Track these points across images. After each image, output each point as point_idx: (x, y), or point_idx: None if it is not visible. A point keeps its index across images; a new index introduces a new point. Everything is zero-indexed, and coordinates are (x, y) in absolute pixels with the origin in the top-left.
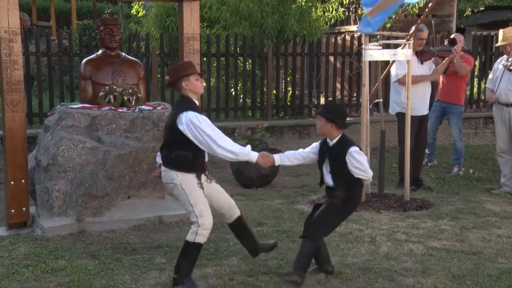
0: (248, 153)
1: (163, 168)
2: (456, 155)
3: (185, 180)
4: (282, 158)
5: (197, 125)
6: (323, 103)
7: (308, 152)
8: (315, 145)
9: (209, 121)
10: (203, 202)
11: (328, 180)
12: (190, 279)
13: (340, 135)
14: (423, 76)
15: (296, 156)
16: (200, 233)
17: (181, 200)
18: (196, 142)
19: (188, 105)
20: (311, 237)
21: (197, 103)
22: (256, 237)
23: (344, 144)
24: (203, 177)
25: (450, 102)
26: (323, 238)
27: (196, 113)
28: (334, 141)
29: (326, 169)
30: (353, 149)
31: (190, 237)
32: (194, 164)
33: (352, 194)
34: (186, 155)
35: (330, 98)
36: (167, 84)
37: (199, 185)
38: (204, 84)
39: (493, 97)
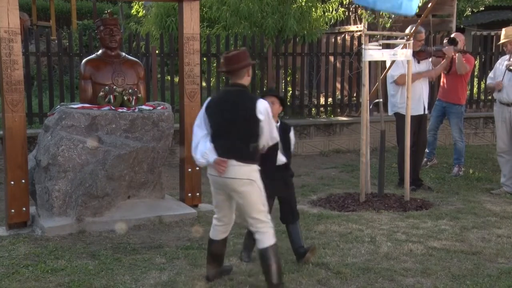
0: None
1: (235, 163)
2: (456, 155)
3: (259, 178)
4: None
5: (270, 114)
6: (267, 88)
7: None
8: None
9: None
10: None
11: (281, 157)
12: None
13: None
14: (418, 73)
15: None
16: (273, 231)
17: (250, 199)
18: (263, 132)
19: (252, 93)
20: (299, 217)
21: None
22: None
23: (285, 123)
24: None
25: (450, 101)
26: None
27: (266, 101)
28: (278, 123)
29: (280, 149)
30: (292, 127)
31: (270, 241)
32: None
33: None
34: (258, 145)
35: (330, 99)
36: (232, 70)
37: None
38: (204, 84)
39: (499, 83)
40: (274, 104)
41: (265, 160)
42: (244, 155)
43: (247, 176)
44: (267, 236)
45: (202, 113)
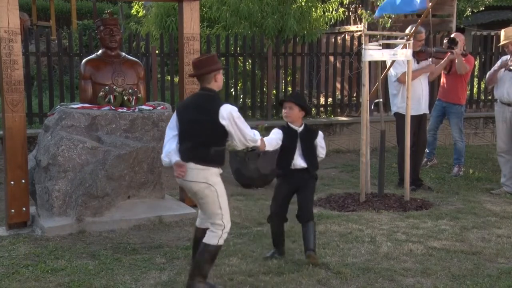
0: (258, 139)
1: (193, 166)
2: (456, 155)
3: (218, 182)
4: (267, 145)
5: (236, 118)
6: (292, 93)
7: (278, 138)
8: (278, 131)
9: None
10: (227, 204)
11: (300, 162)
12: (209, 283)
13: (303, 122)
14: (419, 70)
15: (273, 143)
16: (224, 236)
17: (208, 202)
18: (231, 134)
19: (219, 98)
20: (312, 218)
21: None
22: None
23: (312, 129)
24: None
25: (450, 101)
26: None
27: (232, 106)
28: (302, 127)
29: (298, 152)
30: (320, 134)
31: (214, 241)
32: (224, 158)
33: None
34: (222, 149)
35: (330, 99)
36: (196, 74)
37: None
38: None
39: (505, 63)
40: (292, 109)
41: (279, 162)
42: (203, 158)
43: (204, 180)
44: (214, 236)
45: (174, 115)
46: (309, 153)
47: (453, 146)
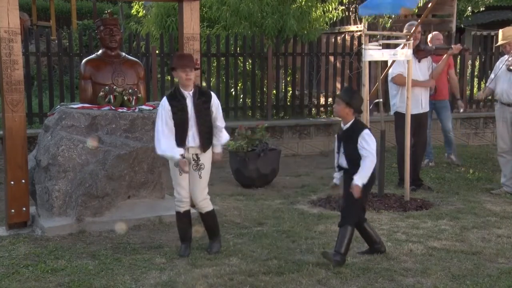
0: (170, 155)
1: None
2: (451, 145)
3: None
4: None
5: (159, 111)
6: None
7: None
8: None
9: (163, 114)
10: (178, 178)
11: (342, 162)
12: (182, 244)
13: (353, 119)
14: (418, 81)
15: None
16: (175, 203)
17: None
18: None
19: (170, 92)
20: (348, 223)
21: (183, 91)
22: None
23: (358, 126)
24: (190, 160)
25: (438, 98)
26: (363, 221)
27: (164, 103)
28: (348, 124)
29: (341, 151)
30: (366, 132)
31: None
32: (177, 140)
33: None
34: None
35: (330, 99)
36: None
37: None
38: (204, 84)
39: (490, 89)
40: (339, 104)
41: None
42: None
43: None
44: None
45: None
46: (350, 153)
47: (448, 140)
